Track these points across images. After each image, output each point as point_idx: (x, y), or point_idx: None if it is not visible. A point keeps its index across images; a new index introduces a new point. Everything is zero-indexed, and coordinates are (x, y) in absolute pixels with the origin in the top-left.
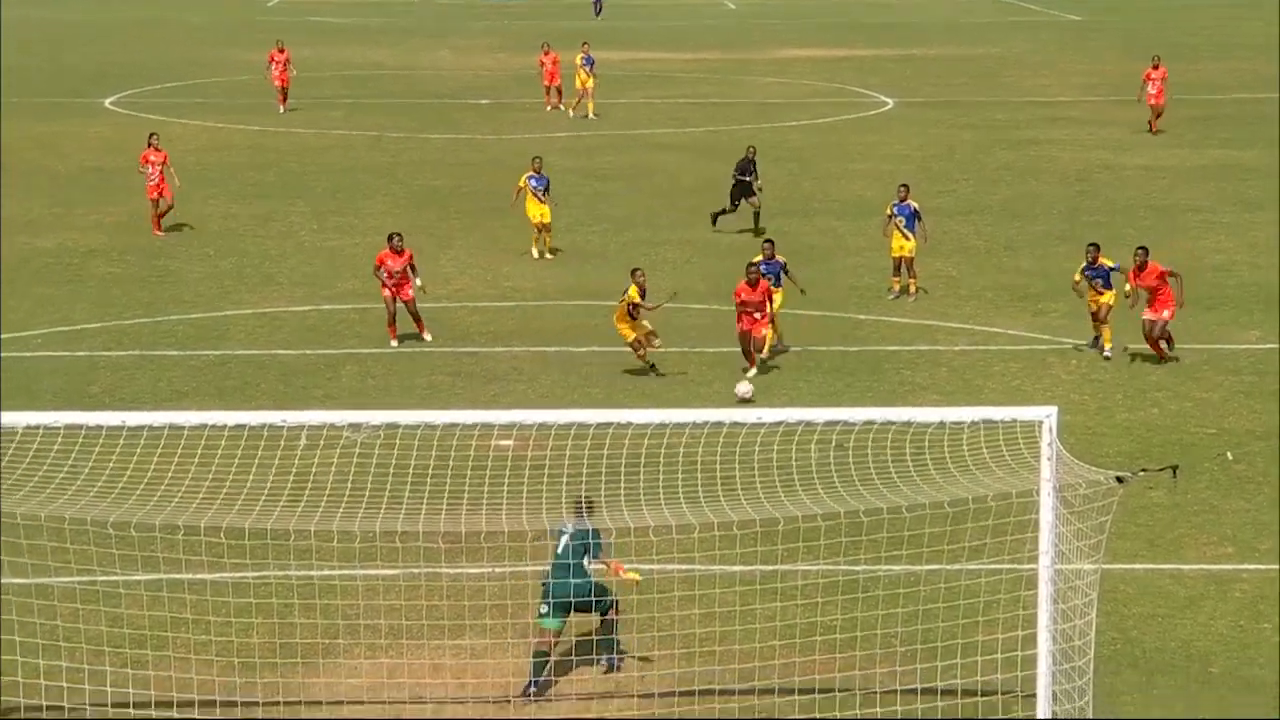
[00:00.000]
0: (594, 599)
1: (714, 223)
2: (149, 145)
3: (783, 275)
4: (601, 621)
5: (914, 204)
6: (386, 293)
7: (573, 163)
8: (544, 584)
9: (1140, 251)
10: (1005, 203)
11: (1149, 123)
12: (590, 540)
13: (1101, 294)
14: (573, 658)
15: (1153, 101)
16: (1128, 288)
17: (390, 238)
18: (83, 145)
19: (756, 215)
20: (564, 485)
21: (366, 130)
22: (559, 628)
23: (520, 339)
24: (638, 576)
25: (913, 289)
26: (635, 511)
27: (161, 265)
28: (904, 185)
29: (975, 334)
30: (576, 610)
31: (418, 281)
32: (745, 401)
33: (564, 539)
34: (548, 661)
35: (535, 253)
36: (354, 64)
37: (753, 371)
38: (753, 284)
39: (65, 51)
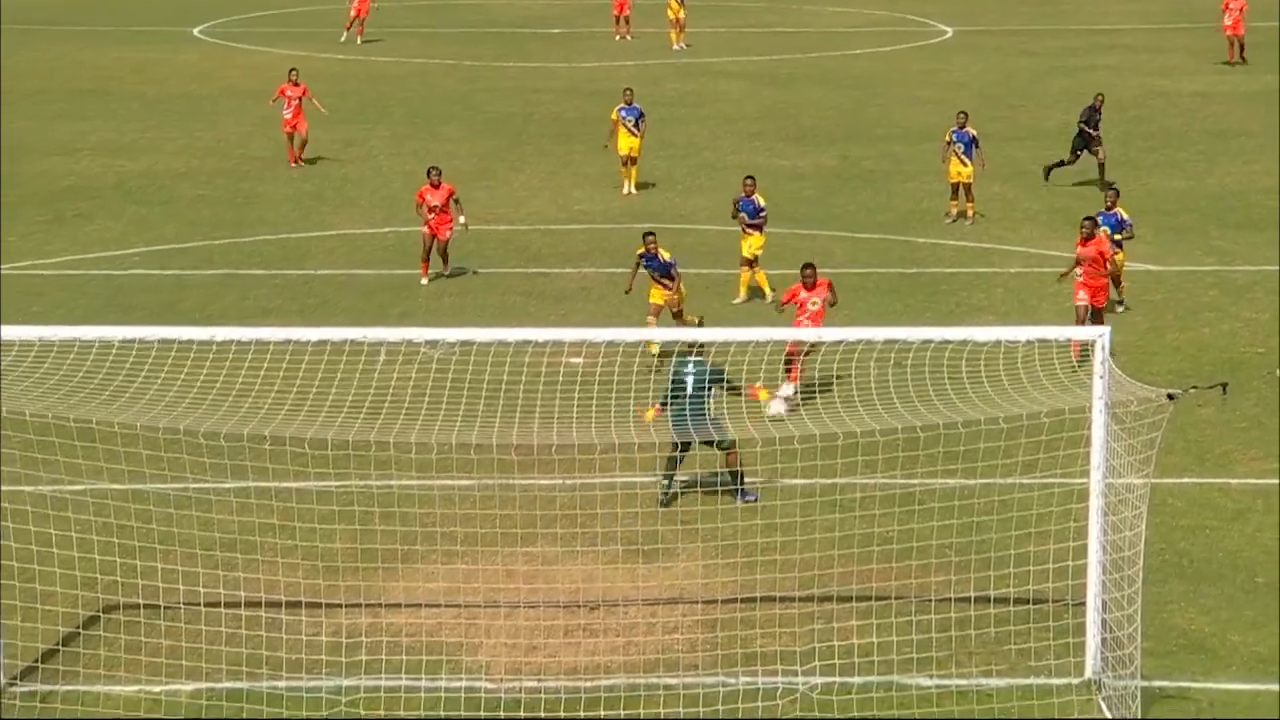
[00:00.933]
0: (715, 436)
1: (1046, 176)
2: (288, 79)
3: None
4: (726, 461)
5: (972, 130)
6: (426, 230)
7: (639, 91)
8: (663, 403)
9: (1087, 223)
10: (1061, 128)
11: (1230, 53)
12: (713, 377)
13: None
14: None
15: (1230, 32)
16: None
17: (429, 171)
18: (173, 72)
19: (1101, 167)
20: (631, 401)
21: (443, 59)
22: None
23: (589, 260)
24: (767, 394)
25: (970, 213)
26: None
27: (247, 188)
28: (963, 112)
29: (1031, 256)
30: (698, 438)
31: (461, 219)
32: (776, 420)
33: (690, 378)
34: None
35: (626, 188)
36: None
37: (790, 388)
38: (810, 285)
39: None
